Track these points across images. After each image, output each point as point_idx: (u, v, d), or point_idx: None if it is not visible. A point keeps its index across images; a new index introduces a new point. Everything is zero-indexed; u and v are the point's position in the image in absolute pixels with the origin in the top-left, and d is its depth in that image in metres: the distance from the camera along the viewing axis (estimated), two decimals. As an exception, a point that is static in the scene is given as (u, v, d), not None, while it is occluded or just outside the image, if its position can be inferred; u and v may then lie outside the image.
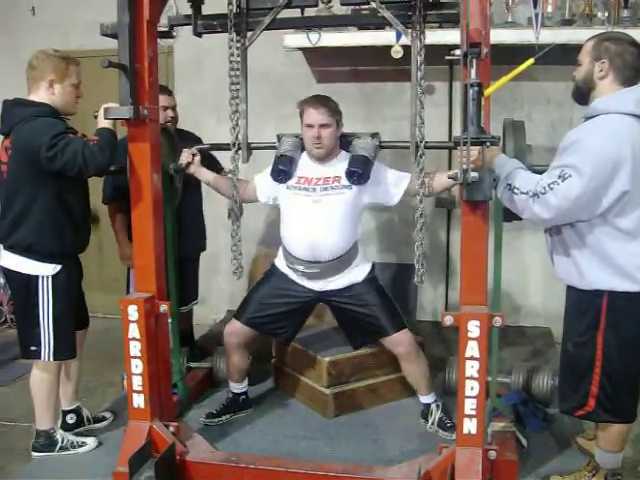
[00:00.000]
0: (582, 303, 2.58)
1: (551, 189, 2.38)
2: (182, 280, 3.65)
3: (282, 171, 3.21)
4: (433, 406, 3.30)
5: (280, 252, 3.37)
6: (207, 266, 4.24)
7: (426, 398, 3.34)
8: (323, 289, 3.27)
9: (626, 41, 2.49)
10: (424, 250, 2.84)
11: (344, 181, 3.15)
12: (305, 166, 3.25)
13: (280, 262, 3.37)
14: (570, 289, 2.64)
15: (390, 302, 3.30)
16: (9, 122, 2.91)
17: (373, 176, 3.14)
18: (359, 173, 3.09)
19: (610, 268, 2.47)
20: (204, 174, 3.37)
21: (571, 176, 2.35)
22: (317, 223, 3.14)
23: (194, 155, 3.32)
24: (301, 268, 3.22)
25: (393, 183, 3.19)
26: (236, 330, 3.37)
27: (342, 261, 3.21)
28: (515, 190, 2.48)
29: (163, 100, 3.60)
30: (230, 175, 3.21)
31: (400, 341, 3.25)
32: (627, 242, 2.45)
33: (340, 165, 3.18)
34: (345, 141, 3.25)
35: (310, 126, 3.12)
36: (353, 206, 3.19)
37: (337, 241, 3.16)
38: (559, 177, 2.38)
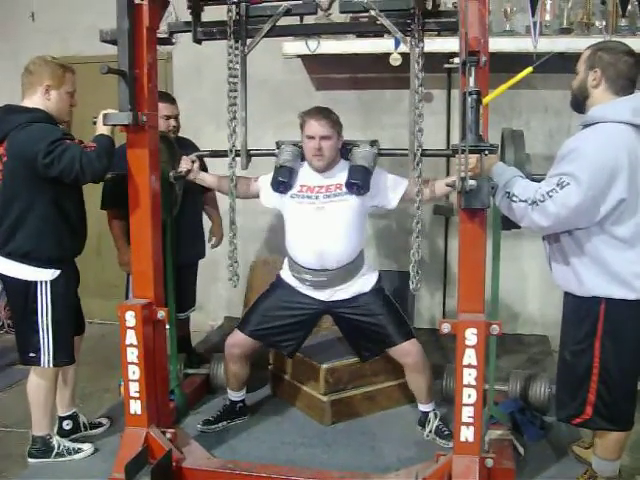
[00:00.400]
0: (580, 310, 2.58)
1: (550, 197, 2.40)
2: (180, 287, 3.64)
3: (282, 182, 3.20)
4: (431, 414, 3.30)
5: (285, 264, 3.36)
6: (205, 273, 4.23)
7: (425, 407, 3.33)
8: (330, 299, 3.26)
9: (621, 51, 2.51)
10: (420, 257, 2.85)
11: (345, 188, 3.16)
12: (306, 175, 3.25)
13: (285, 273, 3.36)
14: (568, 296, 2.66)
15: (397, 312, 3.28)
16: (3, 129, 2.89)
17: (373, 182, 3.14)
18: (359, 185, 3.09)
19: (607, 275, 2.48)
20: (205, 179, 3.38)
21: (569, 184, 2.37)
22: (322, 230, 3.14)
23: (193, 162, 3.32)
24: (308, 277, 3.21)
25: (391, 187, 3.19)
26: (239, 341, 3.36)
27: (349, 270, 3.20)
28: (514, 198, 2.49)
29: (166, 109, 3.60)
30: (230, 183, 3.20)
31: (408, 351, 3.23)
32: (624, 250, 2.46)
33: (340, 174, 3.18)
34: (344, 149, 3.26)
35: (311, 137, 3.12)
36: (357, 212, 3.18)
37: (343, 248, 3.16)
38: (557, 185, 2.39)
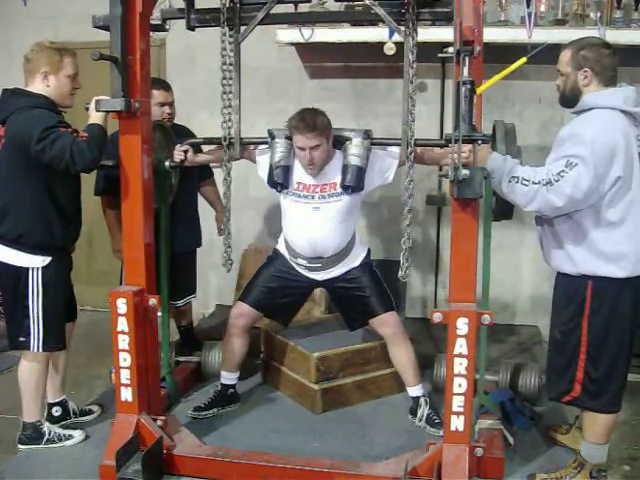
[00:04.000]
0: (569, 289, 2.68)
1: (562, 177, 2.48)
2: (177, 274, 3.64)
3: (278, 183, 3.25)
4: (422, 400, 3.32)
5: (282, 238, 3.45)
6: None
7: (414, 390, 3.36)
8: (324, 278, 3.38)
9: (600, 45, 2.64)
10: (411, 245, 2.86)
11: (340, 188, 3.19)
12: (301, 170, 3.24)
13: (282, 247, 3.45)
14: (559, 277, 2.75)
15: (382, 285, 3.39)
16: (6, 110, 2.89)
17: (367, 168, 3.16)
18: (353, 187, 3.15)
19: (594, 253, 2.58)
20: (201, 159, 3.43)
21: (577, 165, 2.45)
22: (317, 228, 3.21)
23: (186, 152, 3.30)
24: (304, 262, 3.32)
25: (386, 167, 3.22)
26: (244, 311, 3.43)
27: (342, 254, 3.31)
28: (524, 182, 2.54)
29: (160, 96, 3.57)
30: (222, 170, 3.21)
31: (387, 321, 3.32)
32: (611, 231, 2.56)
33: (335, 170, 3.20)
34: (337, 141, 3.22)
35: (301, 149, 3.11)
36: (351, 208, 3.26)
37: (338, 241, 3.26)
38: (566, 166, 2.48)
